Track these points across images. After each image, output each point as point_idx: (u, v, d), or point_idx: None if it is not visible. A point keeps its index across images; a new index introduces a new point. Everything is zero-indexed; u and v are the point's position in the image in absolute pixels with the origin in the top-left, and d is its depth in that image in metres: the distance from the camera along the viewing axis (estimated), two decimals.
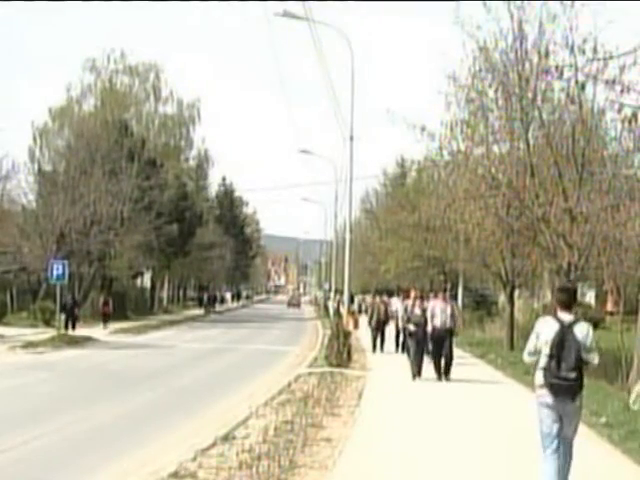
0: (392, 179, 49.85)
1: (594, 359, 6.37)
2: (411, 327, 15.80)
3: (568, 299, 6.46)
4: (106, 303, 34.00)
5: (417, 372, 15.41)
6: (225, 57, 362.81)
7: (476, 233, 19.60)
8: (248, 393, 14.12)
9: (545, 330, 6.37)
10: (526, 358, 6.64)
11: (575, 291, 6.67)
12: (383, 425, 10.58)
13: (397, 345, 21.69)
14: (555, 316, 6.41)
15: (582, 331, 6.32)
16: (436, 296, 16.69)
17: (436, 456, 8.69)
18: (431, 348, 15.60)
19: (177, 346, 25.54)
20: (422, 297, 16.89)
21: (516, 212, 18.49)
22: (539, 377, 6.38)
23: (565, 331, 6.26)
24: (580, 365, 6.23)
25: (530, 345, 6.52)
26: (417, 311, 15.89)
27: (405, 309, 18.02)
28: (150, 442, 9.70)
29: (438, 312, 15.31)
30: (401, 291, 28.57)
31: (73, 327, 27.63)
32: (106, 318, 33.25)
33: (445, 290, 17.04)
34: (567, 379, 6.21)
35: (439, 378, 15.21)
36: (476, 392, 14.20)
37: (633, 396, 9.10)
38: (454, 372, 15.60)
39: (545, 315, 6.84)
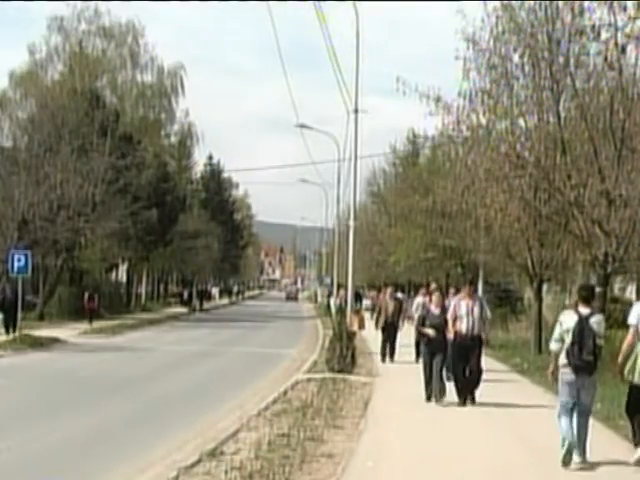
0: (403, 157, 49.71)
1: (602, 343, 8.94)
2: (430, 332, 13.57)
3: (588, 295, 9.05)
4: (91, 298, 35.21)
5: (437, 394, 13.41)
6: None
7: (499, 219, 19.56)
8: (238, 402, 14.12)
9: (566, 320, 8.87)
10: (553, 346, 9.01)
11: (594, 289, 9.53)
12: (392, 439, 10.58)
13: (417, 355, 18.66)
14: (576, 309, 8.92)
15: (597, 322, 8.84)
16: (458, 291, 15.13)
17: (451, 475, 8.67)
18: (452, 361, 13.53)
19: (157, 349, 25.56)
20: (442, 291, 14.94)
21: (545, 195, 18.44)
22: (562, 358, 8.87)
23: (583, 322, 8.74)
24: (595, 349, 8.74)
25: (556, 333, 8.95)
26: (434, 310, 13.78)
27: (423, 306, 16.48)
28: (126, 459, 9.68)
29: (463, 313, 13.14)
30: (421, 286, 27.20)
31: (14, 329, 25.94)
32: (92, 315, 34.46)
33: (471, 283, 14.29)
34: (587, 361, 8.74)
35: (462, 402, 13.22)
36: (503, 405, 14.18)
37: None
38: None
39: (567, 308, 9.41)
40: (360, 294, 49.57)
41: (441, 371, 13.47)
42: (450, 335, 13.27)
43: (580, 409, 8.96)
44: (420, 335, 14.02)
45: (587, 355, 8.71)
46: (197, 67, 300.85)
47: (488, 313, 13.60)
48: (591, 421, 9.32)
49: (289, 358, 22.87)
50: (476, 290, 17.20)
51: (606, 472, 8.86)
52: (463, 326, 13.08)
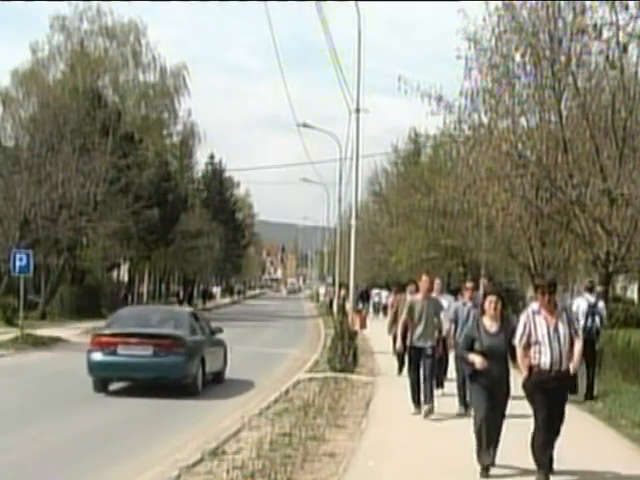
0: (404, 157, 49.75)
1: None
2: (478, 360, 8.52)
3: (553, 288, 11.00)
4: (126, 297, 44.32)
5: (488, 461, 8.63)
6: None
7: (500, 218, 19.56)
8: (240, 401, 14.12)
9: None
10: None
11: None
12: (394, 438, 10.57)
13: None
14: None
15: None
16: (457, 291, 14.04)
17: (452, 475, 8.67)
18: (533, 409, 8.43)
19: None
20: (502, 298, 8.88)
21: (546, 194, 18.43)
22: None
23: None
24: None
25: None
26: (490, 327, 8.69)
27: (455, 314, 12.80)
28: (127, 458, 9.69)
29: (542, 336, 8.26)
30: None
31: None
32: None
33: (552, 287, 8.57)
34: None
35: (545, 476, 8.20)
36: None
37: None
38: None
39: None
40: (369, 293, 49.36)
41: (500, 422, 8.77)
42: (523, 371, 8.31)
43: None
44: (464, 363, 9.24)
45: None
46: (200, 66, 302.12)
47: (579, 332, 8.59)
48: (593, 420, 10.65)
49: (291, 357, 22.86)
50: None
51: None
52: (545, 358, 8.22)
